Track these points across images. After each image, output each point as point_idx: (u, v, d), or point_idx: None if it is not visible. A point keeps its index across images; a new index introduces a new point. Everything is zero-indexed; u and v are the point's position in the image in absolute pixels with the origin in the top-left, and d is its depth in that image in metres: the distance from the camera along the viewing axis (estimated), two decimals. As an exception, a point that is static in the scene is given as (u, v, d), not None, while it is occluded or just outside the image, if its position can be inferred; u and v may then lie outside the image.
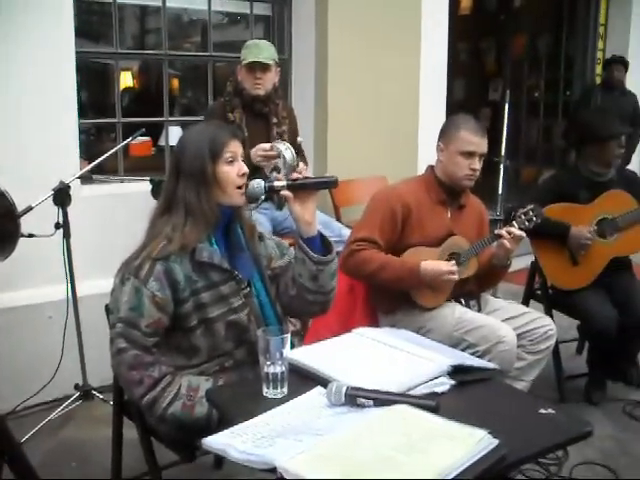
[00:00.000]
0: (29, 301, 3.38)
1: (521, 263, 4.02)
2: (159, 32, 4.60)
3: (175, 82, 5.82)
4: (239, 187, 2.04)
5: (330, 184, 2.09)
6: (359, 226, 2.81)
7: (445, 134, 2.85)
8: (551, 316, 3.35)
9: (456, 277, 2.67)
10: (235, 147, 2.06)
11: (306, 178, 2.03)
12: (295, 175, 2.03)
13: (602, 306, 3.24)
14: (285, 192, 2.01)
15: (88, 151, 4.28)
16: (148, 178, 3.29)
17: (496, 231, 2.74)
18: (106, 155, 3.30)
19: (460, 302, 2.83)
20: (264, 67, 3.50)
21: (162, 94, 4.06)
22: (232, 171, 2.03)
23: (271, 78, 3.56)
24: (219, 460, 2.78)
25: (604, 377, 3.47)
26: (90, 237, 3.44)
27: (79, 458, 2.93)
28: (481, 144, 2.77)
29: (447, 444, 1.33)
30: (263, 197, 2.10)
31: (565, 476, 2.73)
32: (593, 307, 3.23)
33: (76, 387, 3.30)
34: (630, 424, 3.22)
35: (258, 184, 2.03)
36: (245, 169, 2.06)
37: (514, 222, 2.75)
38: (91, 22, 4.65)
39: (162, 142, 4.27)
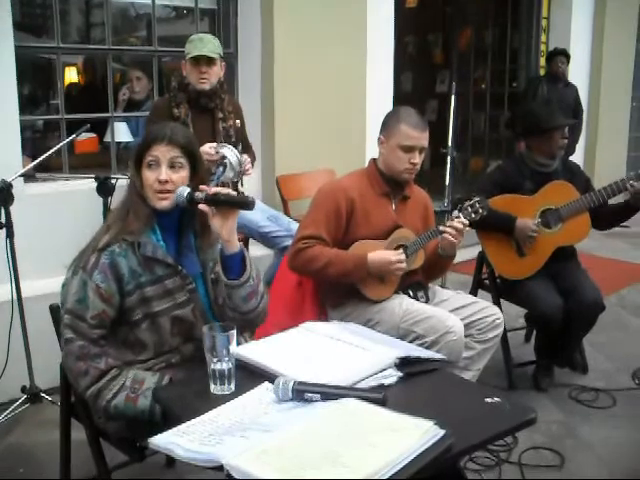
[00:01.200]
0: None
1: (470, 253, 4.08)
2: (103, 26, 4.54)
3: (119, 77, 5.73)
4: (160, 192, 2.00)
5: (246, 205, 1.96)
6: (304, 223, 2.79)
7: (386, 127, 2.86)
8: (499, 305, 3.41)
9: (404, 266, 2.69)
10: (159, 151, 2.00)
11: (226, 195, 1.96)
12: (214, 190, 1.97)
13: (548, 294, 3.30)
14: (202, 206, 1.96)
15: (33, 148, 4.20)
16: (93, 176, 3.23)
17: (440, 227, 2.74)
18: (50, 152, 3.23)
19: (408, 294, 2.84)
20: (209, 61, 3.47)
21: (97, 89, 4.01)
22: (151, 176, 2.00)
23: (216, 72, 3.53)
24: (170, 459, 2.77)
25: (551, 364, 3.54)
26: (34, 237, 3.37)
27: (27, 463, 2.87)
28: (421, 138, 2.77)
29: (394, 436, 1.34)
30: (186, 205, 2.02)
31: (514, 461, 2.79)
32: (539, 295, 3.29)
33: (23, 390, 3.22)
34: (576, 408, 3.30)
35: (182, 192, 1.97)
36: (164, 176, 1.98)
37: (460, 214, 2.76)
38: (32, 15, 4.56)
39: (108, 138, 4.20)
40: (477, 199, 2.78)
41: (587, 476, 2.73)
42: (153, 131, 2.06)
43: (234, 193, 2.04)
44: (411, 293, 2.85)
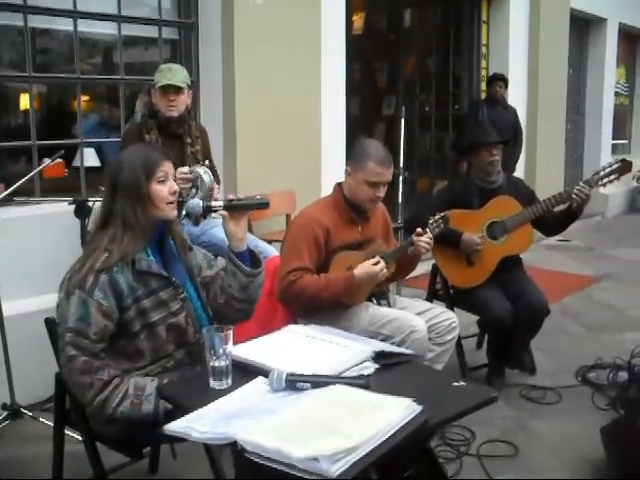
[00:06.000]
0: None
1: (422, 269, 4.34)
2: (58, 54, 4.70)
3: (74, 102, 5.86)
4: (170, 203, 2.23)
5: (262, 205, 2.27)
6: (288, 257, 2.95)
7: (354, 160, 3.02)
8: (453, 313, 3.68)
9: (386, 272, 2.89)
10: (167, 167, 2.24)
11: (240, 200, 2.23)
12: (230, 196, 2.24)
13: (497, 299, 3.58)
14: (222, 212, 2.21)
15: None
16: (71, 199, 3.37)
17: (414, 238, 2.97)
18: (29, 176, 3.37)
19: (372, 301, 3.08)
20: (177, 90, 3.64)
21: (63, 115, 4.13)
22: (164, 190, 2.21)
23: (184, 100, 3.70)
24: (154, 464, 2.92)
25: (502, 366, 3.81)
26: (10, 259, 3.48)
27: (13, 475, 2.94)
28: (387, 174, 2.97)
29: (379, 412, 1.56)
30: (200, 215, 2.26)
31: (473, 454, 3.03)
32: (489, 301, 3.57)
33: (4, 407, 3.32)
34: (526, 405, 3.58)
35: (197, 204, 2.21)
36: (175, 187, 2.25)
37: (427, 229, 3.01)
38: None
39: (76, 163, 4.33)
40: (441, 215, 3.05)
41: (540, 463, 2.99)
42: (156, 150, 2.30)
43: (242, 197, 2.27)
44: (374, 301, 3.09)
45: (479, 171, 3.77)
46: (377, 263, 2.85)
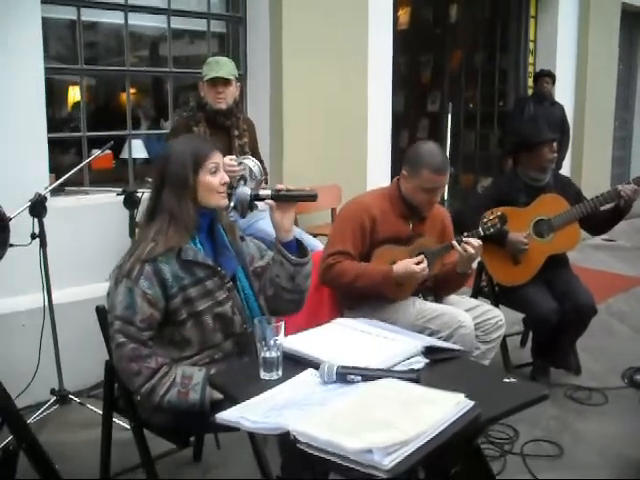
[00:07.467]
0: (1, 310, 3.46)
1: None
2: (106, 47, 4.76)
3: (124, 95, 5.94)
4: (223, 192, 2.25)
5: (310, 197, 2.27)
6: (332, 240, 2.99)
7: (409, 164, 2.98)
8: (497, 311, 3.65)
9: (427, 273, 2.86)
10: (217, 158, 2.27)
11: (289, 190, 2.25)
12: (279, 187, 2.25)
13: (543, 298, 3.54)
14: (269, 201, 2.23)
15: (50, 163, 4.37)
16: (120, 189, 3.43)
17: (453, 242, 2.92)
18: (79, 167, 3.44)
19: (419, 296, 3.07)
20: (225, 82, 3.68)
21: (110, 108, 4.17)
22: (215, 180, 2.24)
23: (232, 92, 3.74)
24: (198, 453, 2.96)
25: (547, 365, 3.77)
26: (62, 247, 3.54)
27: (59, 461, 3.00)
28: (443, 180, 2.95)
29: (432, 406, 1.56)
30: (247, 204, 2.29)
31: (517, 452, 3.01)
32: (535, 299, 3.54)
33: (52, 392, 3.40)
34: (571, 405, 3.54)
35: (245, 192, 2.23)
36: (226, 178, 2.28)
37: (479, 229, 2.96)
38: (50, 38, 4.74)
39: (124, 155, 4.40)
40: (498, 214, 3.00)
41: (585, 464, 2.95)
42: (205, 142, 2.35)
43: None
44: (421, 296, 3.08)
45: (534, 169, 3.70)
46: (420, 262, 2.83)
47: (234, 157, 3.48)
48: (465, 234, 2.94)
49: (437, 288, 3.13)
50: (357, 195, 3.18)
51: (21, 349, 3.38)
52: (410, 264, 2.83)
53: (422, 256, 2.87)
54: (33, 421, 3.26)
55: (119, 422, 2.83)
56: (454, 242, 2.93)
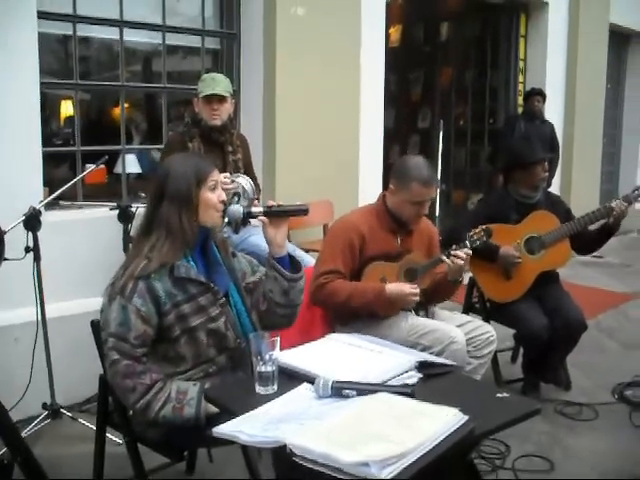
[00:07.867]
0: (-5, 324, 3.46)
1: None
2: (99, 62, 4.79)
3: (117, 110, 5.97)
4: (217, 210, 2.28)
5: (302, 212, 2.30)
6: (322, 260, 3.01)
7: (397, 178, 3.02)
8: (488, 327, 3.67)
9: (417, 298, 2.92)
10: (216, 176, 2.30)
11: (280, 206, 2.27)
12: (270, 203, 2.28)
13: (534, 314, 3.57)
14: (262, 218, 2.26)
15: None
16: (114, 204, 3.44)
17: (442, 257, 2.97)
18: (74, 181, 3.46)
19: (410, 312, 3.09)
20: (221, 99, 3.71)
21: (103, 122, 4.19)
22: (214, 197, 2.26)
23: (227, 109, 3.77)
24: (191, 465, 2.96)
25: (537, 380, 3.79)
26: (56, 261, 3.54)
27: (54, 474, 3.01)
28: (431, 192, 3.00)
29: (426, 420, 1.58)
30: (240, 221, 2.31)
31: (508, 467, 3.02)
32: (526, 316, 3.56)
33: (44, 406, 3.39)
34: (561, 421, 3.55)
35: (238, 209, 2.26)
36: (224, 196, 2.30)
37: (466, 242, 3.00)
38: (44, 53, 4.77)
39: (118, 170, 4.42)
40: (483, 227, 3.03)
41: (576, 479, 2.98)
42: (205, 159, 2.37)
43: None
44: (413, 312, 3.10)
45: (527, 187, 3.74)
46: (413, 288, 2.88)
47: (228, 174, 3.51)
48: (454, 247, 2.97)
49: (429, 297, 3.15)
50: (344, 214, 3.20)
51: (14, 363, 3.38)
52: (404, 287, 2.89)
53: (415, 284, 2.92)
54: (25, 435, 3.23)
55: (111, 437, 2.82)
56: (443, 257, 2.96)
